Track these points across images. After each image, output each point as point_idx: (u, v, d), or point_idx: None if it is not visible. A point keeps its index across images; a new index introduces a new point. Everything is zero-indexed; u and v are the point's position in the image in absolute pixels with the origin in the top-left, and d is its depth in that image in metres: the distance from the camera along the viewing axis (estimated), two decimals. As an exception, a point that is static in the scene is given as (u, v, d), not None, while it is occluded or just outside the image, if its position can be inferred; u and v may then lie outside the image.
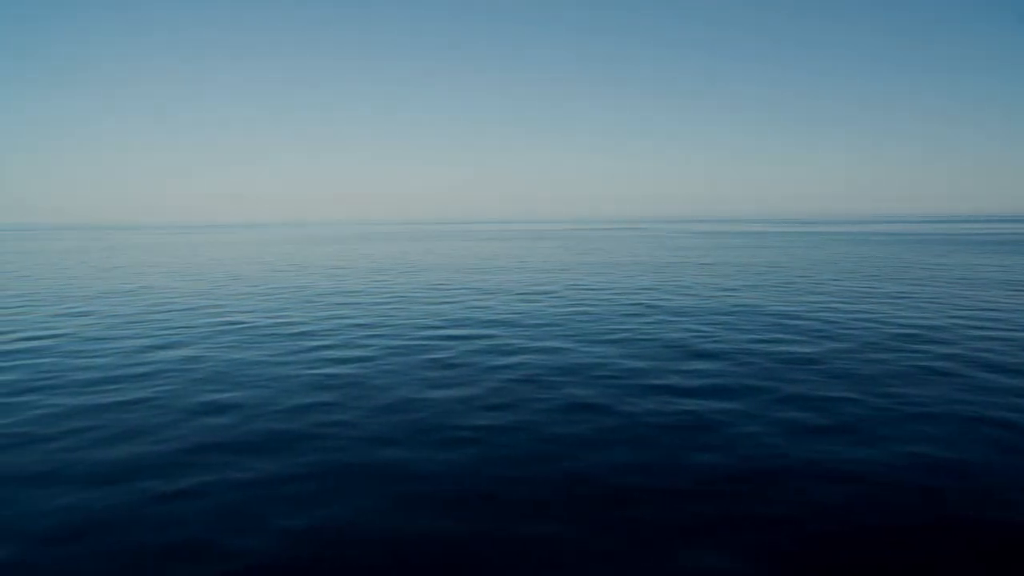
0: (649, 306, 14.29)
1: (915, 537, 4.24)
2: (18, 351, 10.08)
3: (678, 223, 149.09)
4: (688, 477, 5.23)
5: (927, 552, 4.06)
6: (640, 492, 4.95)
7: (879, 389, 7.50)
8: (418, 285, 19.34)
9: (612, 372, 8.43)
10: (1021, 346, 9.78)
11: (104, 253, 41.21)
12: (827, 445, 5.82)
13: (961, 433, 6.08)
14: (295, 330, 11.68)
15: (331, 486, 5.11)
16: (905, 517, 4.50)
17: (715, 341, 10.32)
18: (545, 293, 17.01)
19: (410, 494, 4.96)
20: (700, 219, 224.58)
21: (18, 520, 4.60)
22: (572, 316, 13.01)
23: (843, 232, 70.70)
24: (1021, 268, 23.25)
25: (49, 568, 4.02)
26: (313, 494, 4.97)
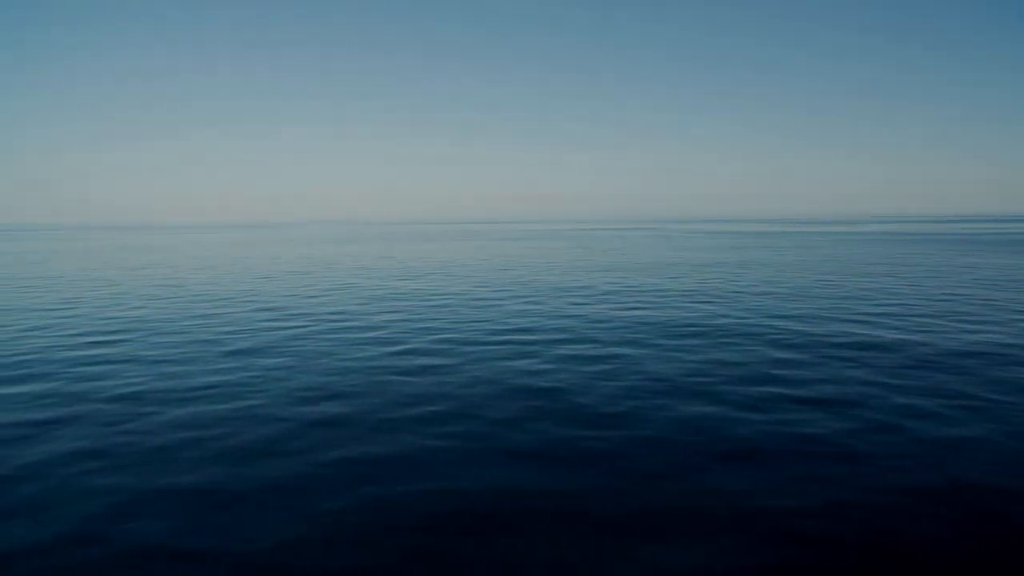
0: (732, 305, 13.94)
1: None
2: (98, 357, 9.75)
3: (670, 224, 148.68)
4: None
5: None
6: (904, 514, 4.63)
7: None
8: (466, 286, 18.99)
9: (754, 377, 8.09)
10: None
11: (123, 254, 40.86)
12: None
13: None
14: (370, 334, 11.34)
15: (503, 514, 4.75)
16: None
17: (843, 344, 9.94)
18: (614, 293, 16.67)
19: (577, 512, 4.63)
20: (688, 220, 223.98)
21: (213, 540, 4.28)
22: (658, 320, 12.65)
23: (851, 232, 70.36)
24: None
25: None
26: (488, 522, 4.63)
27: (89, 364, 9.19)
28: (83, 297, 17.02)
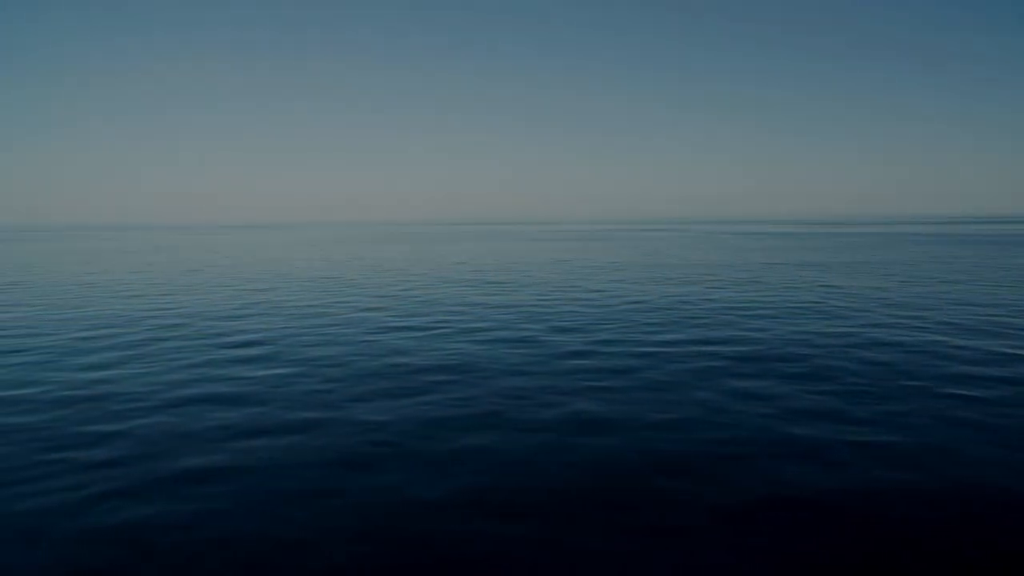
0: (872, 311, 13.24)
1: None
2: (279, 376, 9.07)
3: (678, 224, 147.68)
4: None
5: None
6: None
7: None
8: (582, 290, 18.30)
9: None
10: None
11: (163, 254, 40.21)
12: None
13: None
14: (544, 349, 10.59)
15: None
16: None
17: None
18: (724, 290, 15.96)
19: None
20: (702, 220, 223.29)
21: None
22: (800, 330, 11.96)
23: (881, 232, 69.60)
24: None
25: None
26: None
27: (274, 380, 8.52)
28: (178, 298, 16.29)
